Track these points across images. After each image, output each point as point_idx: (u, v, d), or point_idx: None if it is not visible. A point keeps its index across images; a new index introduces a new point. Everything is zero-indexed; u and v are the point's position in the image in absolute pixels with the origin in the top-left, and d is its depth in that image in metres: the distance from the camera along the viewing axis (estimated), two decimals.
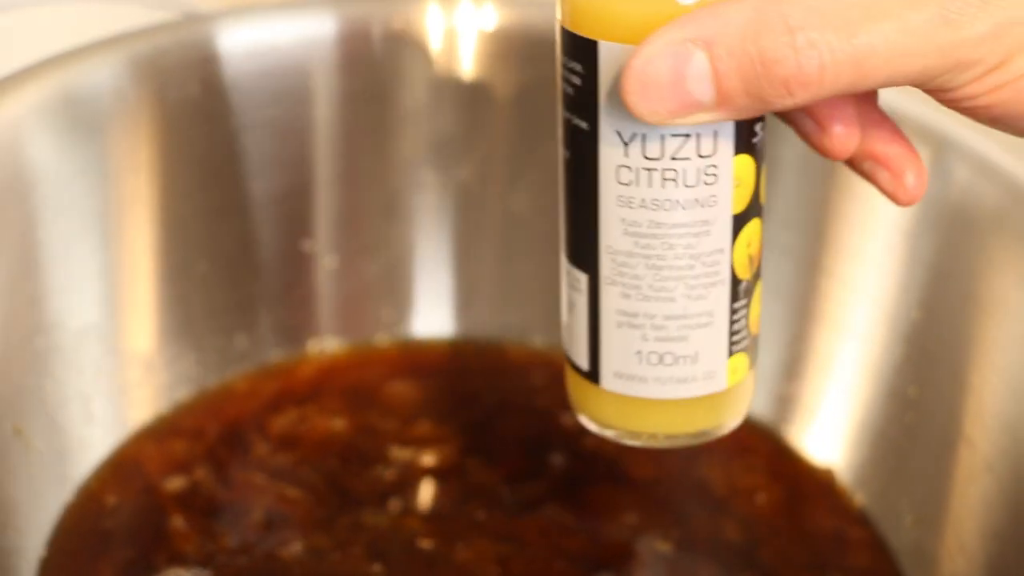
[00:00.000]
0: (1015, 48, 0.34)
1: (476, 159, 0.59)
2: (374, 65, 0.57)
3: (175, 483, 0.53)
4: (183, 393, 0.56)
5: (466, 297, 0.60)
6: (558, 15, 0.36)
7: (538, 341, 0.60)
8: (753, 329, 0.39)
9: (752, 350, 0.40)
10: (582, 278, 0.38)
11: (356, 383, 0.58)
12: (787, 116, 0.39)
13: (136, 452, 0.54)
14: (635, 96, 0.34)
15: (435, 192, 0.59)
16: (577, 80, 0.36)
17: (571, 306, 0.39)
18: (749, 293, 0.38)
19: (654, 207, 0.36)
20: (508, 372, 0.59)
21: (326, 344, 0.59)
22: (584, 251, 0.38)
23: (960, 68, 0.34)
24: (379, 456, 0.55)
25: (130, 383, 0.55)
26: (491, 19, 0.57)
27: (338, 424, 0.56)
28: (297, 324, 0.58)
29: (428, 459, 0.55)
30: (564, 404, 0.51)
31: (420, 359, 0.59)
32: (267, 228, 0.57)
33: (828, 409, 0.55)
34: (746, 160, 0.37)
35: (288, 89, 0.56)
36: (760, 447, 0.56)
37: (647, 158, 0.36)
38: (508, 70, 0.58)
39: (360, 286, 0.59)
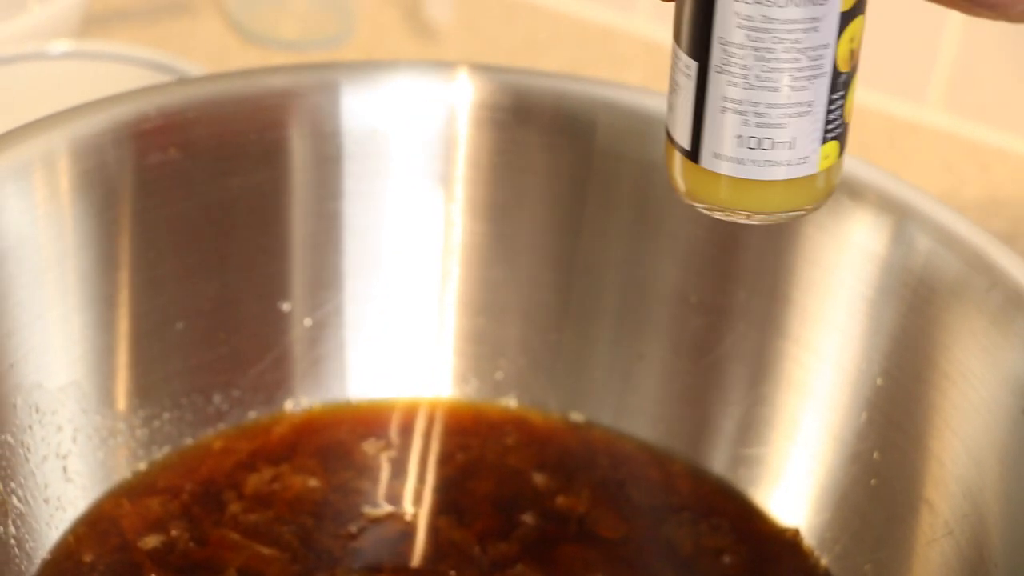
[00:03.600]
0: None
1: (452, 226, 0.60)
2: (346, 128, 0.58)
3: (151, 541, 0.54)
4: (160, 451, 0.57)
5: (440, 357, 0.61)
6: None
7: (511, 401, 0.61)
8: (847, 118, 0.42)
9: (843, 137, 0.43)
10: (692, 65, 0.41)
11: (331, 442, 0.59)
12: None
13: (113, 510, 0.54)
14: None
15: (409, 255, 0.60)
16: None
17: (677, 88, 0.42)
18: (847, 85, 0.42)
19: (768, 3, 0.39)
20: (481, 431, 0.60)
21: (302, 403, 0.60)
22: (698, 42, 0.41)
23: None
24: (353, 514, 0.56)
25: (107, 441, 0.55)
26: (466, 87, 0.58)
27: (312, 483, 0.57)
28: (273, 383, 0.59)
29: (401, 517, 0.56)
30: (535, 464, 0.52)
31: (395, 419, 0.60)
32: (245, 289, 0.58)
33: (794, 471, 0.56)
34: None
35: (265, 152, 0.57)
36: (727, 508, 0.57)
37: None
38: (484, 133, 0.59)
39: (336, 346, 0.60)
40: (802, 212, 0.43)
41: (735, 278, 0.57)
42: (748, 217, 0.43)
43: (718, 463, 0.57)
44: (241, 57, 0.89)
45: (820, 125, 0.41)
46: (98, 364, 0.55)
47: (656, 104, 0.57)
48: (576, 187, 0.59)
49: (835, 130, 0.42)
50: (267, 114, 0.57)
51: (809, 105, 0.41)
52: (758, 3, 0.39)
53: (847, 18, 0.40)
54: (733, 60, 0.40)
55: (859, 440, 0.54)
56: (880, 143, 0.86)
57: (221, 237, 0.57)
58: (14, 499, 0.51)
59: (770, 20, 0.40)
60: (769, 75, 0.40)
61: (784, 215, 0.43)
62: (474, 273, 0.60)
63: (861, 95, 0.84)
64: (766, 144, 0.41)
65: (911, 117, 0.89)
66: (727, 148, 0.41)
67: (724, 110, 0.41)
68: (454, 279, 0.60)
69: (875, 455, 0.53)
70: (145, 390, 0.56)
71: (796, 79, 0.40)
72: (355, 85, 0.58)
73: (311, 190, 0.58)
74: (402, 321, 0.60)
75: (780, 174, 0.41)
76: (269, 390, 0.59)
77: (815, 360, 0.55)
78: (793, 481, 0.56)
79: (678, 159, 0.43)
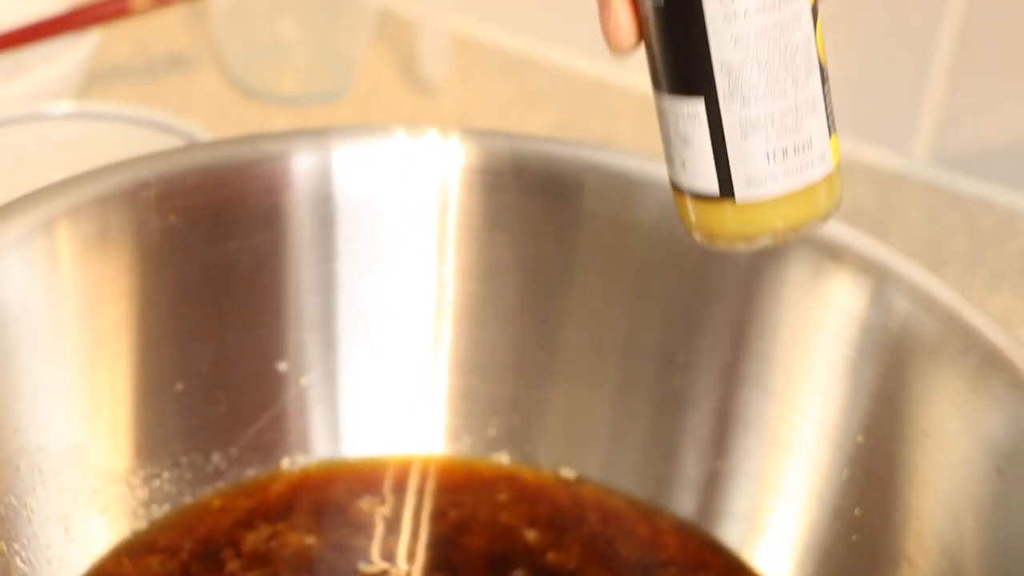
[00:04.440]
0: None
1: (444, 287, 0.61)
2: (344, 192, 0.59)
3: None
4: (159, 510, 0.58)
5: (433, 415, 0.62)
6: None
7: (503, 457, 0.62)
8: (833, 112, 0.44)
9: (836, 130, 0.44)
10: (699, 106, 0.42)
11: (327, 499, 0.60)
12: None
13: (114, 569, 0.56)
14: None
15: (403, 315, 0.61)
16: None
17: (685, 137, 0.43)
18: (827, 78, 0.43)
19: (756, 13, 0.41)
20: (474, 488, 0.61)
21: (298, 461, 0.61)
22: (698, 77, 0.42)
23: None
24: (348, 571, 0.57)
25: (108, 501, 0.56)
26: (458, 151, 0.60)
27: (309, 540, 0.58)
28: (271, 442, 0.60)
29: (396, 575, 0.57)
30: (527, 520, 0.54)
31: (389, 476, 0.61)
32: (242, 349, 0.59)
33: (778, 527, 0.57)
34: None
35: (263, 216, 0.58)
36: (713, 563, 0.58)
37: None
38: (476, 196, 0.60)
39: (332, 405, 0.61)
40: (833, 211, 0.44)
41: (720, 337, 0.58)
42: (793, 233, 0.43)
43: (705, 518, 0.59)
44: (240, 112, 0.91)
45: (824, 118, 0.43)
46: (99, 426, 0.56)
47: (642, 166, 0.59)
48: (565, 248, 0.60)
49: (834, 123, 0.43)
50: (264, 179, 0.58)
51: (813, 101, 0.42)
52: (748, 16, 0.41)
53: (815, 11, 0.42)
54: (740, 79, 0.41)
55: (841, 496, 0.55)
56: (866, 194, 0.87)
57: (219, 299, 0.59)
58: (18, 560, 0.53)
59: (762, 30, 0.41)
60: (775, 81, 0.41)
61: (821, 220, 0.43)
62: (466, 333, 0.61)
63: (848, 147, 0.86)
64: (790, 151, 0.42)
65: (897, 168, 0.90)
66: (758, 169, 0.42)
67: (745, 133, 0.42)
68: (446, 339, 0.61)
69: (856, 511, 0.54)
70: (145, 450, 0.58)
71: (796, 78, 0.42)
72: (349, 150, 0.59)
73: (308, 252, 0.59)
74: (396, 380, 0.61)
75: (813, 176, 0.42)
76: (266, 449, 0.60)
77: (798, 418, 0.57)
78: (778, 536, 0.57)
79: (707, 209, 0.43)
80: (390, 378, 0.61)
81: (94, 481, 0.56)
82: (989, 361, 0.50)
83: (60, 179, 0.55)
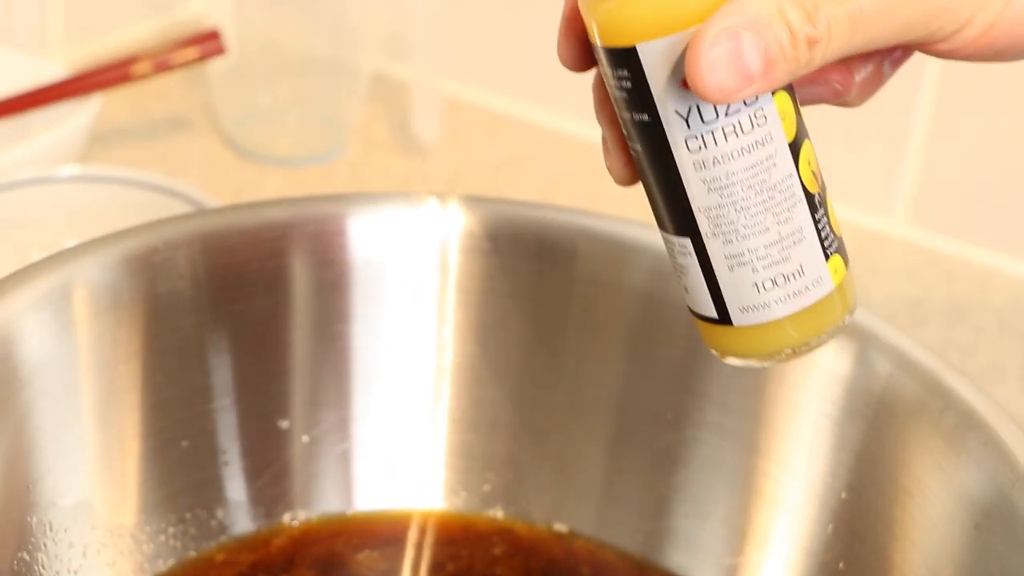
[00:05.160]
0: None
1: (443, 347, 0.63)
2: (345, 256, 0.61)
3: None
4: (164, 564, 0.60)
5: (432, 471, 0.64)
6: (596, 42, 0.43)
7: (498, 512, 0.64)
8: (837, 231, 0.45)
9: (843, 249, 0.46)
10: (686, 242, 0.44)
11: (328, 553, 0.62)
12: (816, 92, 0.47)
13: None
14: (705, 77, 0.41)
15: (403, 374, 0.63)
16: (627, 83, 0.42)
17: (683, 270, 0.45)
18: (823, 203, 0.45)
19: (725, 160, 0.43)
20: (470, 542, 0.63)
21: (300, 516, 0.63)
22: (680, 219, 0.44)
23: (945, 14, 0.42)
24: None
25: (116, 556, 0.58)
26: (457, 217, 0.62)
27: None
28: (273, 497, 0.62)
29: None
30: (522, 573, 0.55)
31: (388, 530, 0.63)
32: (246, 408, 0.61)
33: None
34: (782, 96, 0.43)
35: (267, 279, 0.61)
36: None
37: (706, 123, 0.42)
38: (473, 260, 0.62)
39: (333, 461, 0.63)
40: (837, 329, 0.45)
41: (709, 396, 0.60)
42: (793, 354, 0.45)
43: (695, 572, 0.60)
44: (236, 174, 0.93)
45: (818, 245, 0.44)
46: (108, 482, 0.58)
47: (631, 232, 0.61)
48: (558, 310, 0.62)
49: (832, 245, 0.45)
50: (268, 244, 0.60)
51: (800, 232, 0.44)
52: (717, 163, 0.43)
53: (795, 146, 0.44)
54: (718, 221, 0.43)
55: (826, 550, 0.57)
56: (850, 254, 0.89)
57: (225, 360, 0.60)
58: None
59: (733, 173, 0.43)
60: (754, 220, 0.43)
61: (821, 338, 0.45)
62: (464, 391, 0.63)
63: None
64: (779, 281, 0.44)
65: (879, 228, 0.93)
66: (749, 299, 0.44)
67: (731, 267, 0.44)
68: (445, 397, 0.63)
69: (841, 565, 0.56)
70: (152, 506, 0.59)
71: (777, 214, 0.43)
72: (351, 217, 0.61)
73: (311, 314, 0.61)
74: (396, 437, 0.63)
75: (805, 301, 0.44)
76: (269, 504, 0.62)
77: (784, 474, 0.59)
78: None
79: (713, 331, 0.45)
80: (390, 435, 0.63)
81: (102, 536, 0.58)
82: (967, 421, 0.52)
83: (74, 245, 0.57)
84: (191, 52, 0.88)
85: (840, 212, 0.93)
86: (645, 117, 0.43)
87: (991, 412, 0.52)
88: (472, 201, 0.62)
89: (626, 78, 0.42)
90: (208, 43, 0.88)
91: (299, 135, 0.98)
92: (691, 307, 0.46)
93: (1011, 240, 0.90)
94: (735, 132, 0.42)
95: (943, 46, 0.44)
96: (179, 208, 0.75)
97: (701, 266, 0.44)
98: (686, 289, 0.45)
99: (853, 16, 0.41)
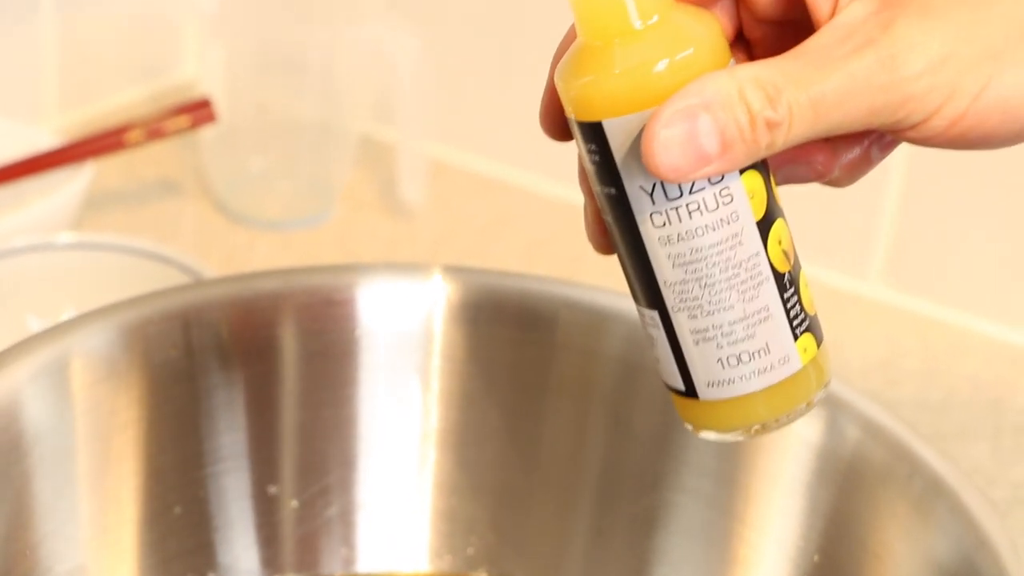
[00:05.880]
0: (956, 78, 0.42)
1: (428, 413, 0.65)
2: (332, 326, 0.63)
3: None
4: None
5: (417, 534, 0.66)
6: (569, 115, 0.44)
7: (483, 575, 0.66)
8: (809, 310, 0.46)
9: (815, 327, 0.46)
10: (654, 315, 0.45)
11: None
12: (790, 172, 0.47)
13: None
14: (658, 156, 0.41)
15: (389, 440, 0.65)
16: (596, 157, 0.43)
17: (653, 342, 0.45)
18: (794, 281, 0.45)
19: (689, 237, 0.43)
20: None
21: None
22: (648, 292, 0.45)
23: (911, 103, 0.42)
24: None
25: None
26: (441, 287, 0.64)
27: None
28: (263, 560, 0.64)
29: None
30: None
31: None
32: (237, 474, 0.63)
33: None
34: (752, 175, 0.44)
35: (258, 349, 0.62)
36: None
37: (670, 199, 0.43)
38: (458, 329, 0.64)
39: (321, 525, 0.65)
40: (805, 406, 0.45)
41: (685, 461, 0.62)
42: (763, 429, 0.45)
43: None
44: (226, 237, 0.95)
45: (785, 324, 0.44)
46: (104, 548, 0.59)
47: (609, 301, 0.63)
48: (540, 377, 0.64)
49: (802, 324, 0.45)
50: (259, 315, 0.62)
51: (767, 310, 0.44)
52: (681, 239, 0.43)
53: (764, 225, 0.44)
54: (684, 296, 0.44)
55: None
56: (824, 314, 0.91)
57: (217, 427, 0.62)
58: None
59: (697, 250, 0.43)
60: (719, 296, 0.44)
61: (790, 415, 0.45)
62: (448, 456, 0.65)
63: (807, 269, 0.90)
64: (744, 358, 0.44)
65: (853, 290, 0.95)
66: (714, 374, 0.44)
67: (697, 342, 0.44)
68: (430, 462, 0.65)
69: None
70: (146, 571, 0.61)
71: (743, 292, 0.44)
72: (339, 288, 0.63)
73: (299, 383, 0.63)
74: (382, 501, 0.65)
75: (771, 379, 0.44)
76: (260, 568, 0.64)
77: (759, 538, 0.60)
78: None
79: (683, 404, 0.46)
80: (377, 500, 0.65)
81: None
82: (933, 487, 0.54)
83: (72, 316, 0.59)
84: (183, 120, 0.90)
85: (815, 273, 0.95)
86: (613, 191, 0.44)
87: (956, 479, 0.54)
88: (456, 271, 0.64)
89: (595, 152, 0.43)
90: (200, 111, 0.90)
91: (288, 198, 0.99)
92: (662, 378, 0.47)
93: (984, 302, 0.92)
94: (699, 209, 0.43)
95: (913, 134, 0.43)
96: (172, 274, 0.77)
97: (668, 339, 0.45)
98: (657, 360, 0.46)
99: (816, 102, 0.41)
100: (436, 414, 0.65)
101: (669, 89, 0.42)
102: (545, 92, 0.47)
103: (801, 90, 0.41)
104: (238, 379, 0.62)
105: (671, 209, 0.43)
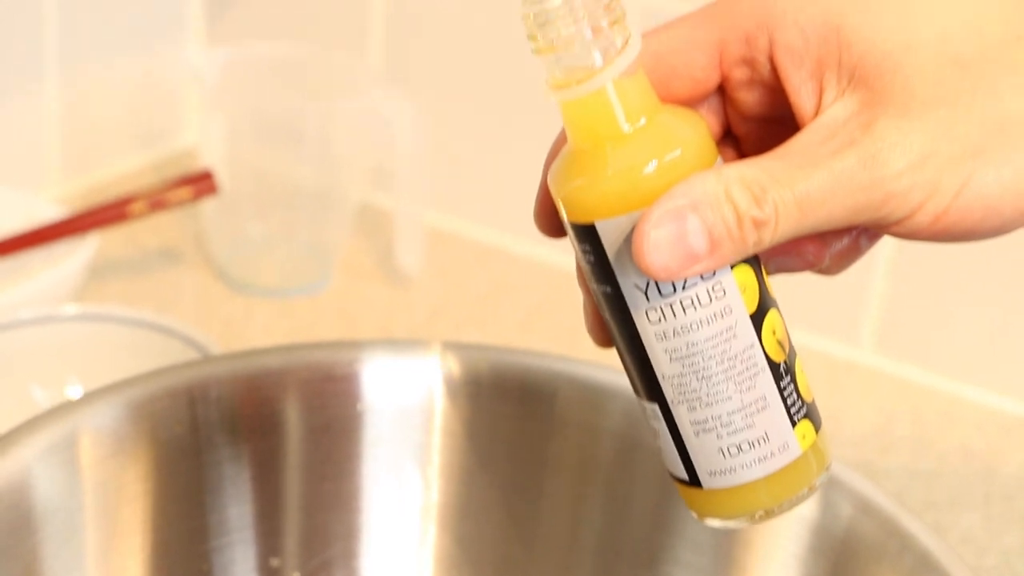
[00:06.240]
0: (937, 176, 0.43)
1: (429, 487, 0.66)
2: (334, 401, 0.65)
3: None
4: None
5: None
6: (562, 217, 0.45)
7: None
8: (806, 397, 0.47)
9: (813, 414, 0.47)
10: (655, 407, 0.46)
11: None
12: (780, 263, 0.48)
13: None
14: (648, 256, 0.42)
15: (390, 514, 0.66)
16: (591, 257, 0.45)
17: (656, 433, 0.47)
18: (790, 370, 0.46)
19: (684, 332, 0.44)
20: None
21: None
22: (648, 385, 0.46)
23: (894, 200, 0.43)
24: None
25: None
26: (441, 364, 0.65)
27: None
28: None
29: None
30: None
31: None
32: (240, 548, 0.64)
33: None
34: (743, 269, 0.45)
35: (261, 425, 0.64)
36: None
37: (664, 296, 0.44)
38: (458, 404, 0.65)
39: None
40: (807, 491, 0.46)
41: (682, 535, 0.63)
42: (767, 515, 0.46)
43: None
44: (226, 306, 0.96)
45: (783, 412, 0.45)
46: None
47: (607, 377, 0.64)
48: (538, 452, 0.65)
49: (800, 411, 0.46)
50: (262, 391, 0.63)
51: (764, 400, 0.45)
52: (677, 334, 0.44)
53: (758, 317, 0.45)
54: (682, 388, 0.45)
55: None
56: (818, 383, 0.93)
57: (221, 501, 0.63)
58: None
59: (693, 344, 0.44)
60: (716, 388, 0.45)
61: (792, 500, 0.46)
62: (449, 530, 0.66)
63: (801, 337, 0.91)
64: (744, 447, 0.45)
65: (846, 358, 0.96)
66: (716, 464, 0.45)
67: (697, 433, 0.45)
68: (431, 535, 0.66)
69: None
70: None
71: (740, 383, 0.45)
72: (340, 364, 0.65)
73: (302, 457, 0.64)
74: (383, 574, 0.66)
75: (771, 467, 0.45)
76: None
77: None
78: None
79: (687, 492, 0.47)
80: (377, 573, 0.66)
81: None
82: (922, 562, 0.55)
83: (80, 394, 0.60)
84: (185, 192, 0.91)
85: (808, 341, 0.97)
86: (608, 289, 0.45)
87: (944, 553, 0.55)
88: (457, 347, 0.65)
89: (589, 252, 0.45)
90: (202, 183, 0.91)
91: (287, 266, 1.01)
92: (666, 468, 0.48)
93: (975, 369, 0.93)
94: (693, 305, 0.44)
95: (898, 229, 0.44)
96: (174, 345, 0.78)
97: (669, 430, 0.46)
98: (660, 450, 0.47)
99: (801, 200, 0.42)
100: (436, 488, 0.66)
101: (658, 190, 0.43)
102: (539, 192, 0.48)
103: (786, 189, 0.43)
104: (242, 454, 0.63)
105: (665, 305, 0.44)
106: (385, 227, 1.04)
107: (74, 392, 0.80)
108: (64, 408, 0.59)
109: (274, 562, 0.65)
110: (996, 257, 0.91)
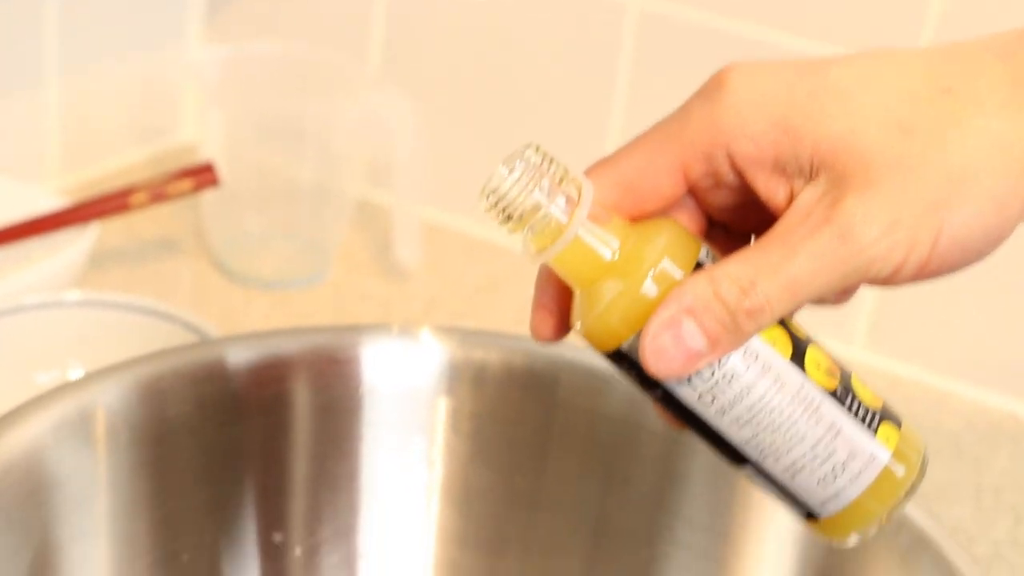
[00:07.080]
0: (911, 234, 0.46)
1: (432, 467, 0.67)
2: (339, 383, 0.66)
3: None
4: None
5: None
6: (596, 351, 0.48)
7: None
8: (874, 405, 0.49)
9: (889, 415, 0.49)
10: (749, 470, 0.49)
11: None
12: None
13: None
14: (655, 365, 0.46)
15: (394, 492, 0.67)
16: (632, 373, 0.48)
17: (764, 489, 0.49)
18: (848, 390, 0.48)
19: (739, 400, 0.47)
20: None
21: None
22: (733, 455, 0.48)
23: (877, 263, 0.46)
24: None
25: None
26: (446, 349, 0.66)
27: None
28: None
29: None
30: None
31: None
32: (244, 522, 0.65)
33: None
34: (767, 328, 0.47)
35: (266, 404, 0.65)
36: None
37: (705, 380, 0.47)
38: (462, 388, 0.66)
39: (324, 572, 0.67)
40: (912, 487, 0.49)
41: (680, 515, 0.64)
42: (884, 521, 0.49)
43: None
44: (224, 296, 0.97)
45: (857, 428, 0.48)
46: None
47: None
48: (540, 435, 0.66)
49: (874, 419, 0.48)
50: (268, 372, 0.64)
51: (835, 426, 0.47)
52: (733, 405, 0.47)
53: (797, 359, 0.47)
54: (760, 446, 0.48)
55: None
56: None
57: (224, 477, 0.64)
58: None
59: (751, 407, 0.47)
60: (789, 434, 0.47)
61: (908, 492, 0.49)
62: (452, 506, 0.67)
63: None
64: (837, 470, 0.48)
65: (840, 355, 0.97)
66: (820, 494, 0.48)
67: (792, 476, 0.48)
68: (434, 511, 0.67)
69: None
70: None
71: (807, 421, 0.47)
72: (346, 347, 0.66)
73: (307, 436, 0.65)
74: (385, 551, 0.67)
75: (871, 475, 0.48)
76: None
77: None
78: None
79: (815, 525, 0.49)
80: (380, 549, 0.67)
81: None
82: (918, 542, 0.57)
83: (91, 371, 0.62)
84: (186, 184, 0.92)
85: None
86: (659, 393, 0.48)
87: (939, 535, 0.56)
88: (462, 333, 0.66)
89: (627, 370, 0.48)
90: (203, 175, 0.92)
91: (285, 259, 1.01)
92: (793, 514, 0.50)
93: (964, 366, 0.94)
94: (735, 377, 0.47)
95: (888, 282, 0.47)
96: (175, 331, 0.79)
97: (769, 483, 0.49)
98: (779, 501, 0.50)
99: (789, 284, 0.45)
100: (438, 468, 0.67)
101: (656, 301, 0.46)
102: (535, 299, 0.51)
103: (773, 278, 0.45)
104: (245, 433, 0.64)
105: (711, 387, 0.47)
106: (382, 222, 1.05)
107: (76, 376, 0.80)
108: (77, 384, 0.60)
109: (277, 537, 0.66)
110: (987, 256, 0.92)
